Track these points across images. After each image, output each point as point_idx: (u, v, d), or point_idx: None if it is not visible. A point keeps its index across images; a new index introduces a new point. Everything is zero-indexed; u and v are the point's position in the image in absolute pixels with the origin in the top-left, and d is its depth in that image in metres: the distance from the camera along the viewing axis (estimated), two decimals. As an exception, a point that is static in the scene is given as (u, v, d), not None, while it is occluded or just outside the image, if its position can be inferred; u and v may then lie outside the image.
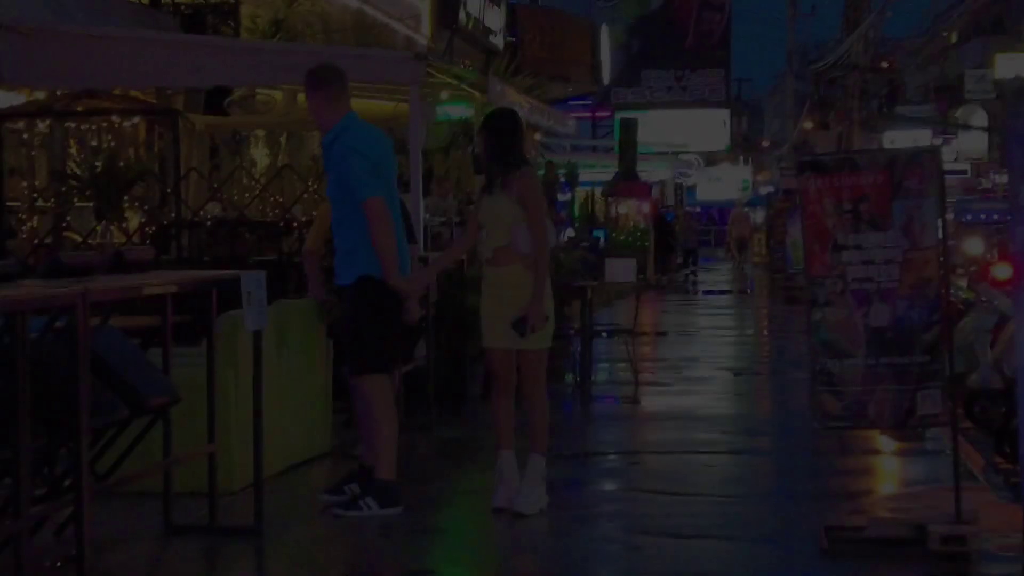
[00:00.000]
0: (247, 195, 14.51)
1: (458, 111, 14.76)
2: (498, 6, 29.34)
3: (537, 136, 19.38)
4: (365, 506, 7.24)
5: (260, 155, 15.88)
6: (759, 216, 52.86)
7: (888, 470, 9.15)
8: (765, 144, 73.38)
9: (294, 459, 8.56)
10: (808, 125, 48.75)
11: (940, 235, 6.63)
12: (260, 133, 15.72)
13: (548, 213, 13.32)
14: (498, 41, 29.09)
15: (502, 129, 7.54)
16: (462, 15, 25.63)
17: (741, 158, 63.77)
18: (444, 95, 13.52)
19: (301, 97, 13.61)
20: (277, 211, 13.94)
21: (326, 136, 7.49)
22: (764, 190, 58.22)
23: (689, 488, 8.27)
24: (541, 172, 22.55)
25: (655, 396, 12.65)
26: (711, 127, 49.41)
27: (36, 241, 12.11)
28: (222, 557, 6.69)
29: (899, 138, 42.96)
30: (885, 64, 45.62)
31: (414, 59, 11.09)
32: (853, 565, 6.43)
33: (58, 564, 6.16)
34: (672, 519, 7.44)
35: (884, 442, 9.49)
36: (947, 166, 43.73)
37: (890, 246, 6.61)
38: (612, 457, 9.68)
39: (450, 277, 11.01)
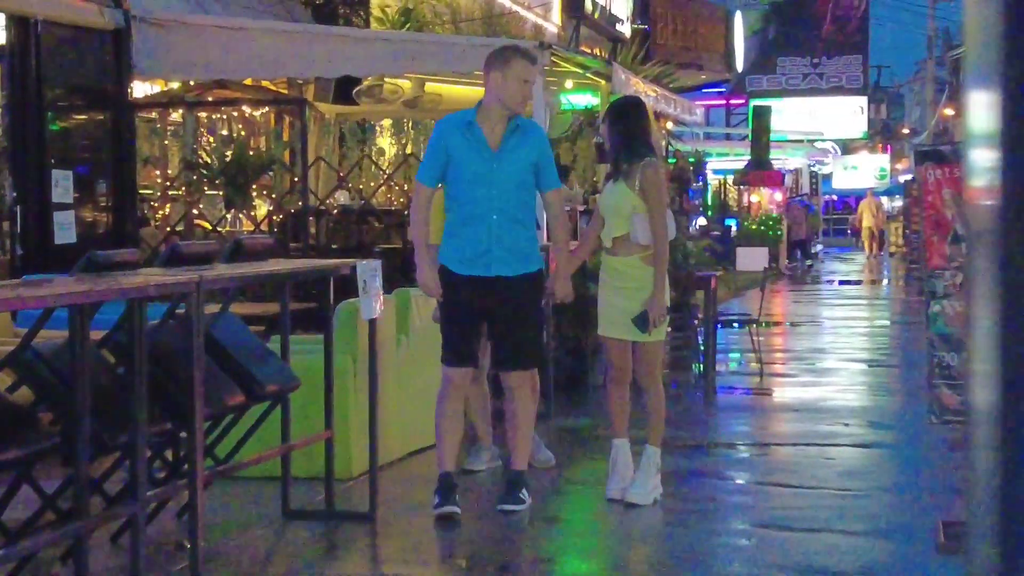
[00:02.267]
0: (373, 184, 14.66)
1: (583, 100, 14.74)
2: (625, -6, 29.24)
3: (668, 125, 19.28)
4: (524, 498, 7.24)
5: (387, 144, 16.03)
6: (897, 204, 52.00)
7: (1015, 465, 8.95)
8: (905, 132, 72.18)
9: (412, 446, 8.64)
10: (948, 112, 47.86)
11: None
12: (387, 122, 15.86)
13: (681, 202, 13.20)
14: (625, 29, 28.98)
15: (627, 117, 7.47)
16: (588, 3, 25.58)
17: (880, 146, 62.78)
18: (569, 84, 13.52)
19: (429, 86, 13.84)
20: (403, 200, 14.07)
21: (518, 118, 7.17)
22: (903, 178, 57.29)
23: (808, 481, 8.18)
24: (672, 161, 22.44)
25: (780, 387, 12.55)
26: (848, 114, 48.68)
27: (168, 229, 12.37)
28: (337, 542, 6.78)
29: (1043, 125, 41.83)
30: (1028, 49, 44.50)
31: (537, 48, 11.10)
32: (970, 562, 6.32)
33: (185, 545, 6.30)
34: (788, 512, 7.39)
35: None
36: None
37: (1012, 237, 6.48)
38: (733, 448, 9.61)
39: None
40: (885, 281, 31.11)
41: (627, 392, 7.50)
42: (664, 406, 7.53)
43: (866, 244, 41.88)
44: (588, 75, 12.90)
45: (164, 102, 13.04)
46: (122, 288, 5.06)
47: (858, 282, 30.78)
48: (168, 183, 13.06)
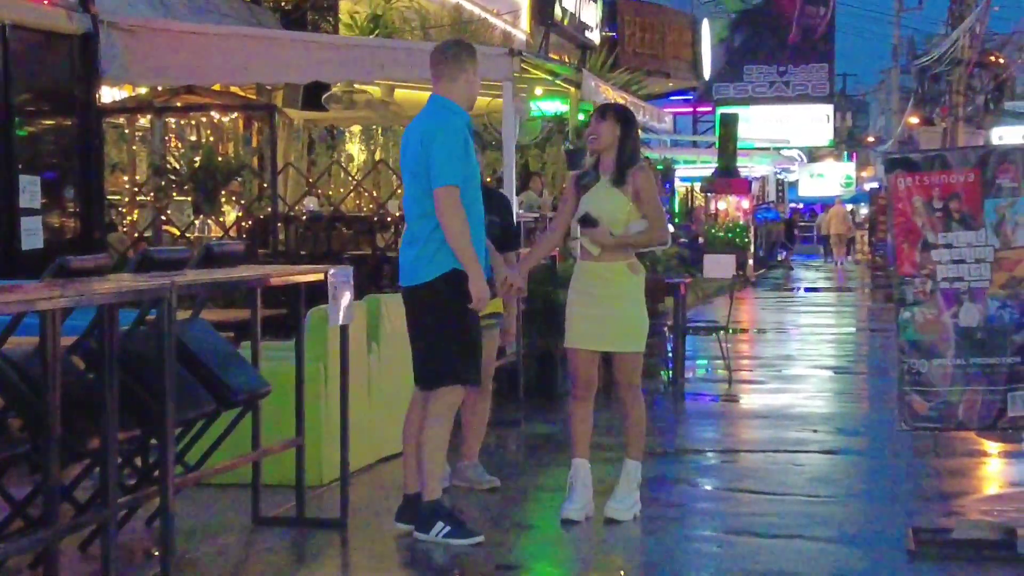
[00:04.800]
0: (342, 190, 14.65)
1: (553, 107, 14.78)
2: (595, 1, 29.29)
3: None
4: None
5: (356, 150, 16.02)
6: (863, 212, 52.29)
7: (983, 472, 9.01)
8: (870, 140, 72.59)
9: (383, 453, 8.62)
10: (913, 121, 48.14)
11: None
12: (356, 129, 15.85)
13: (699, 209, 13.16)
14: (594, 37, 29.03)
15: (630, 124, 7.23)
16: (558, 10, 25.62)
17: (845, 154, 63.11)
18: (539, 91, 13.54)
19: (398, 93, 13.83)
20: (372, 206, 14.06)
21: None
22: (868, 186, 57.63)
23: (778, 487, 8.21)
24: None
25: (748, 394, 12.58)
26: (814, 122, 48.89)
27: (136, 235, 12.32)
28: (308, 549, 6.76)
29: (1008, 134, 42.26)
30: (993, 58, 44.89)
31: (507, 55, 11.12)
32: (939, 567, 6.35)
33: (154, 553, 6.28)
34: (759, 518, 7.39)
35: (981, 444, 9.34)
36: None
37: (981, 245, 6.53)
38: (702, 455, 9.63)
39: (541, 272, 11.04)
40: (851, 288, 31.23)
41: (591, 408, 7.23)
42: (645, 418, 7.25)
43: (835, 250, 42.18)
44: (558, 82, 12.93)
45: (132, 107, 13.00)
46: (96, 294, 5.03)
47: (824, 289, 30.91)
48: (136, 189, 13.02)
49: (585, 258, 7.23)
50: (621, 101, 13.89)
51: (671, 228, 27.70)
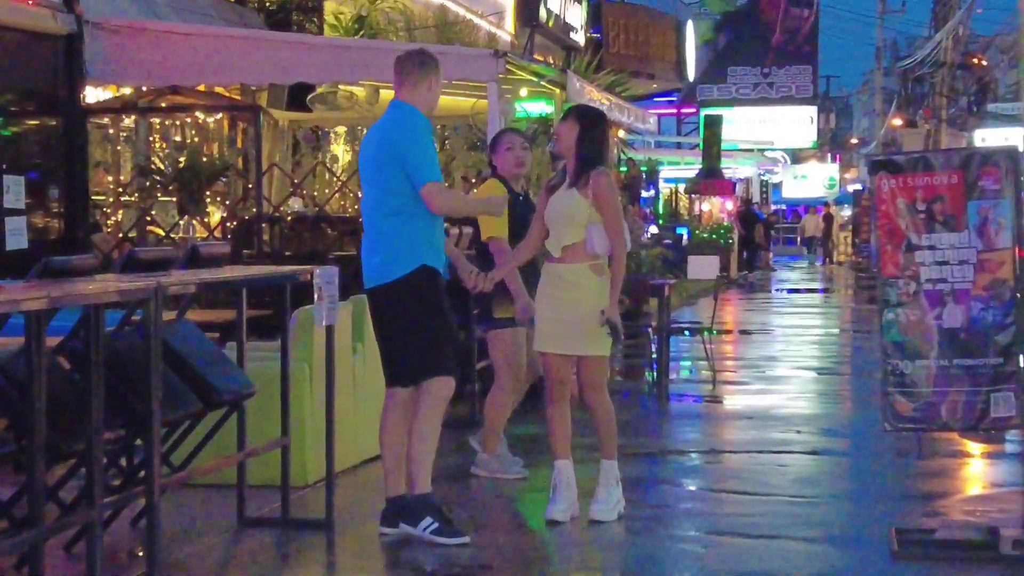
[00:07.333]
0: (327, 191, 14.65)
1: (538, 108, 14.78)
2: (579, 3, 29.33)
3: (620, 134, 19.35)
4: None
5: (341, 151, 16.01)
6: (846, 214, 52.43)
7: (966, 473, 9.04)
8: (853, 141, 72.78)
9: (368, 454, 8.60)
10: (896, 123, 48.29)
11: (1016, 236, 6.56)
12: (341, 129, 15.85)
13: (634, 211, 13.30)
14: (579, 38, 29.08)
15: (594, 126, 7.18)
16: (543, 12, 25.64)
17: (829, 155, 63.26)
18: (523, 92, 13.56)
19: (383, 93, 13.83)
20: (357, 207, 14.03)
21: None
22: (851, 187, 57.77)
23: (761, 488, 8.22)
24: (624, 170, 22.52)
25: (732, 395, 12.61)
26: (797, 124, 49.02)
27: (120, 235, 12.31)
28: (293, 550, 6.76)
29: (990, 136, 42.42)
30: (976, 61, 45.05)
31: (492, 56, 11.14)
32: (922, 567, 6.38)
33: (138, 553, 6.28)
34: (743, 519, 7.42)
35: (964, 445, 9.37)
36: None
37: (964, 247, 6.56)
38: (686, 456, 9.65)
39: (523, 273, 11.02)
40: (834, 289, 31.32)
41: (568, 409, 7.19)
42: (613, 419, 7.21)
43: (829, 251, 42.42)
44: (542, 83, 12.94)
45: (117, 108, 12.99)
46: (81, 294, 5.03)
47: (807, 290, 30.98)
48: (121, 189, 13.00)
49: (549, 260, 7.18)
50: (605, 102, 13.92)
51: (655, 229, 27.91)
